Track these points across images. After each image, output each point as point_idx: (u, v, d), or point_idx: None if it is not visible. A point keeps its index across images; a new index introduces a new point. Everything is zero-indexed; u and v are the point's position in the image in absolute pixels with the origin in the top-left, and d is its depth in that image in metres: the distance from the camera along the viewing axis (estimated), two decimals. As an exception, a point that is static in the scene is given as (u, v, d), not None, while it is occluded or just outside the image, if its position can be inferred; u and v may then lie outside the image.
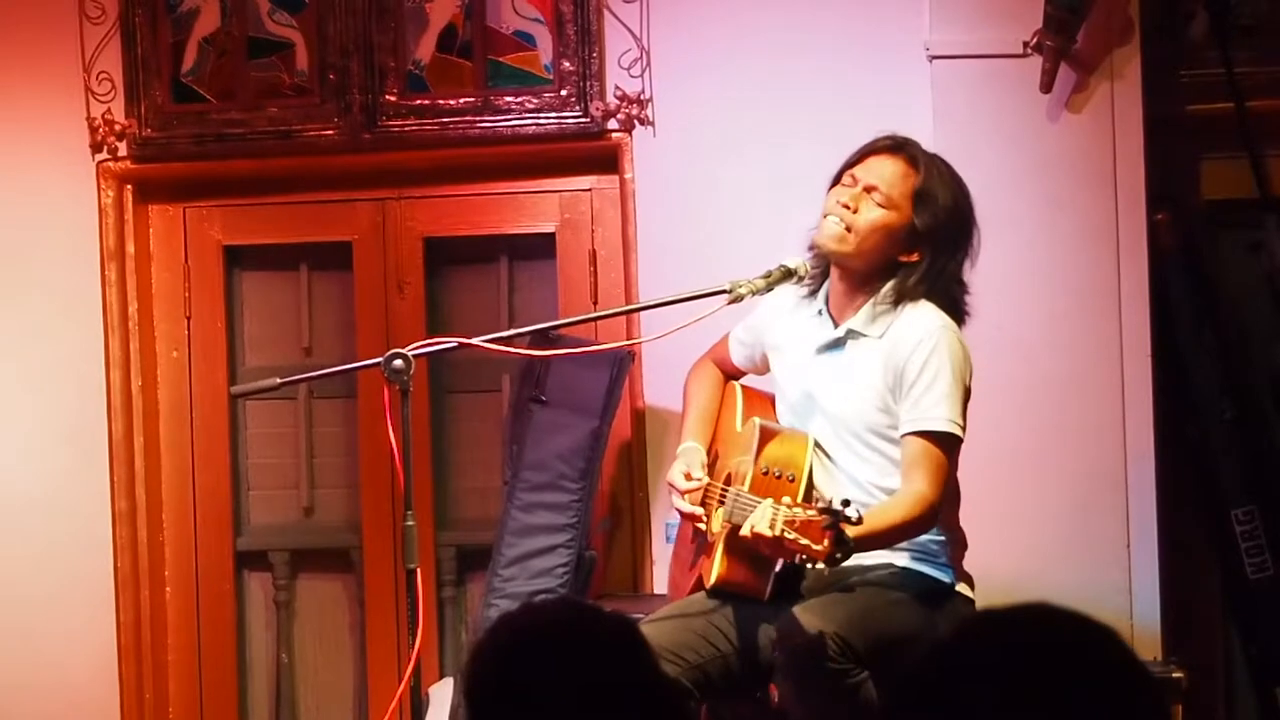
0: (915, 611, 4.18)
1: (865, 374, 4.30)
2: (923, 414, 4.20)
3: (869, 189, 4.30)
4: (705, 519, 4.37)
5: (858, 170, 4.34)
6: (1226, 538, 5.51)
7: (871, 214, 4.29)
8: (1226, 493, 5.51)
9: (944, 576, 4.32)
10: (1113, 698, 1.98)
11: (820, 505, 3.86)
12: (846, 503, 3.82)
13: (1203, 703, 5.46)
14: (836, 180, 4.38)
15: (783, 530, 3.84)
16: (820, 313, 4.41)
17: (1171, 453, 5.42)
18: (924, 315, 4.29)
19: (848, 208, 4.30)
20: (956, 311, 4.35)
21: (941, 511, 4.25)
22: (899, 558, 4.28)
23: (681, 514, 4.44)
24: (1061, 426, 5.29)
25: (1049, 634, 2.03)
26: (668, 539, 4.82)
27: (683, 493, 4.40)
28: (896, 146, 4.36)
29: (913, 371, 4.22)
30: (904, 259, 4.31)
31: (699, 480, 4.40)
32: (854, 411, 4.30)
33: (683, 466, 4.44)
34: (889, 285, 4.31)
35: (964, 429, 4.23)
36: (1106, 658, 2.00)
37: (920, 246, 4.30)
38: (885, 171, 4.32)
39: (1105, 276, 5.29)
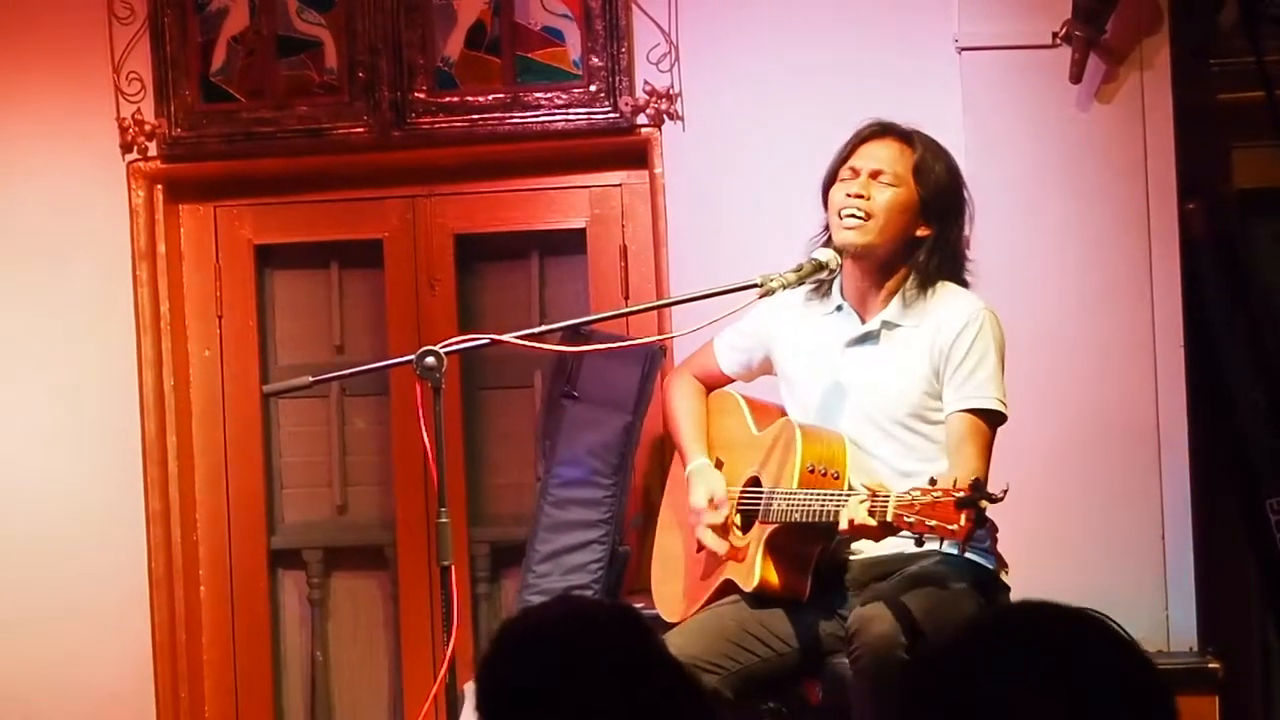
0: (976, 601, 4.19)
1: (908, 361, 4.32)
2: (971, 392, 4.25)
3: (874, 174, 4.35)
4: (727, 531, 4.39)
5: (854, 161, 4.38)
6: (1261, 527, 5.50)
7: (885, 195, 4.34)
8: (1260, 482, 5.50)
9: (988, 564, 4.34)
10: (1114, 688, 2.02)
11: (945, 486, 3.86)
12: (979, 483, 3.85)
13: (1240, 693, 5.45)
14: (832, 178, 4.41)
15: (899, 515, 3.86)
16: (840, 309, 4.43)
17: (1205, 442, 5.41)
18: (961, 298, 4.34)
19: (860, 196, 4.32)
20: (962, 281, 4.41)
21: None
22: (947, 545, 4.27)
23: (703, 545, 4.43)
24: (1094, 417, 5.29)
25: (1046, 630, 2.07)
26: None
27: (709, 526, 4.39)
28: (883, 130, 4.41)
29: (959, 353, 4.26)
30: (919, 234, 4.34)
31: (724, 514, 4.40)
32: (897, 399, 4.32)
33: (705, 492, 4.43)
34: (910, 272, 4.35)
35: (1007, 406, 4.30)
36: (1106, 649, 2.05)
37: (929, 219, 4.34)
38: (883, 154, 4.37)
39: (1137, 266, 5.29)
